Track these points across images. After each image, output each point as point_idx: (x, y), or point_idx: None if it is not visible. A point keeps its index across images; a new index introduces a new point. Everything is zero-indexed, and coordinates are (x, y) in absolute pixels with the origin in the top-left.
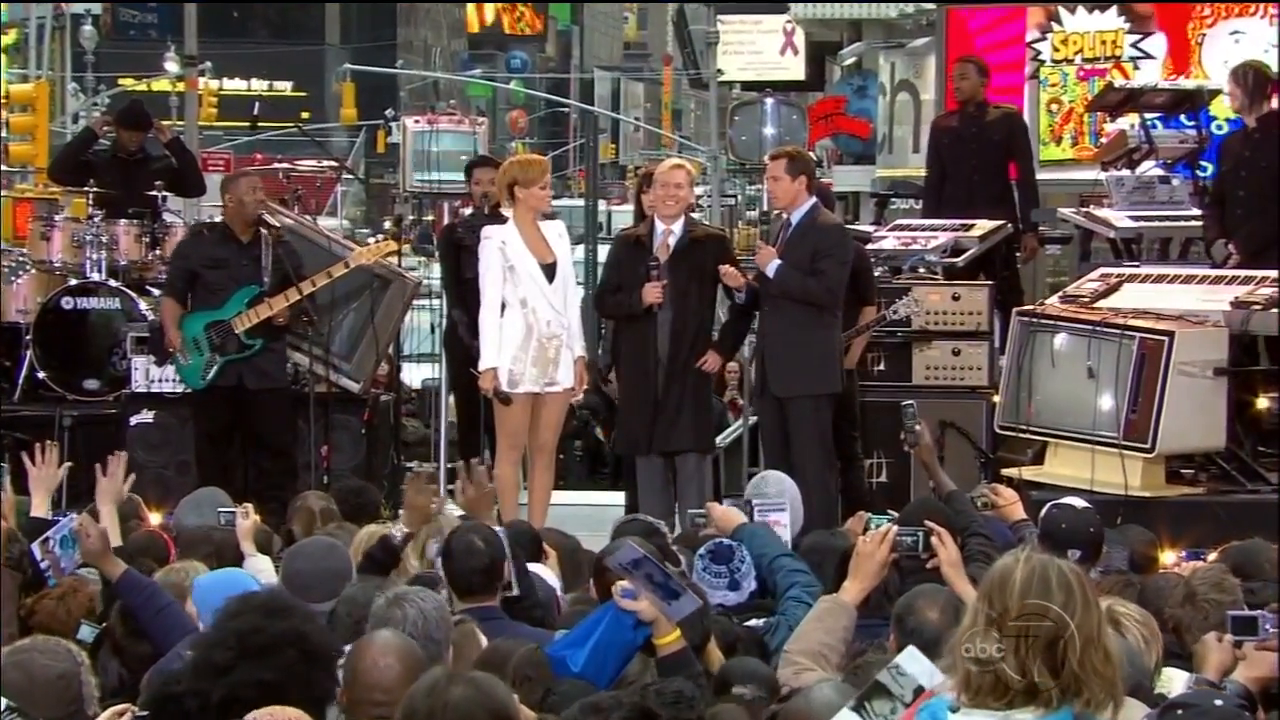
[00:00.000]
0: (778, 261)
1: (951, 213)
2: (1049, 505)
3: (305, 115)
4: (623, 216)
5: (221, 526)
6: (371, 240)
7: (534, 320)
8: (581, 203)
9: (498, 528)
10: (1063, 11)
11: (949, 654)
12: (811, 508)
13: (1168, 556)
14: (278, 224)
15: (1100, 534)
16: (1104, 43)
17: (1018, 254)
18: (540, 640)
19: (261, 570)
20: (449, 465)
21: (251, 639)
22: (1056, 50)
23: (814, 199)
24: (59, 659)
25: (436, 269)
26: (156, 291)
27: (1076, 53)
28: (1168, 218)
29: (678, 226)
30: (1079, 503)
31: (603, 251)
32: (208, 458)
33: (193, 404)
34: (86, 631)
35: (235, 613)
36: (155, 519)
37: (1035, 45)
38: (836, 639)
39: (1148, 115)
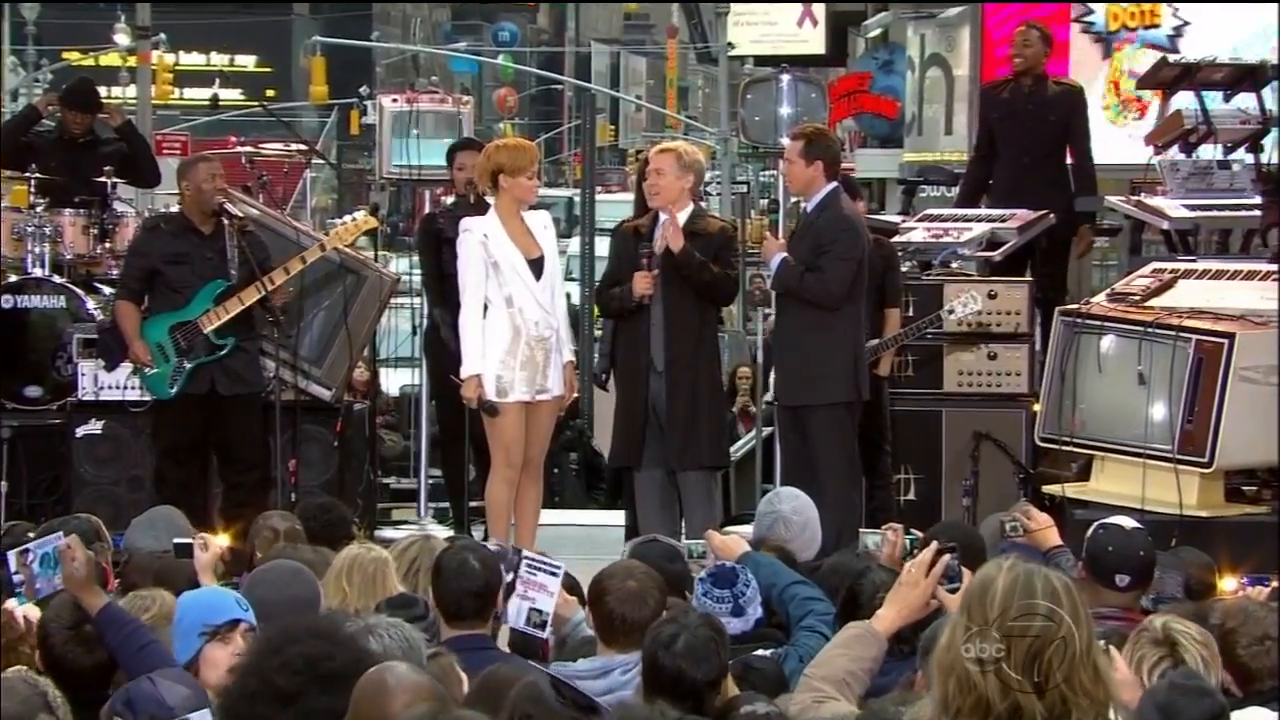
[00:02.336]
0: (781, 255)
1: (993, 196)
2: (1095, 526)
3: (270, 93)
4: (611, 207)
5: (174, 558)
6: (348, 220)
7: (521, 321)
8: (575, 191)
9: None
10: None
11: (926, 671)
12: (831, 528)
13: (1227, 582)
14: (240, 214)
15: (1152, 558)
16: (1142, 12)
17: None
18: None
19: None
20: (430, 480)
21: (323, 665)
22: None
23: (832, 185)
24: (27, 691)
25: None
26: (106, 290)
27: (1121, 26)
28: (1228, 207)
29: (683, 217)
30: (1128, 523)
31: (600, 245)
32: (170, 476)
33: (157, 416)
34: None
35: (296, 638)
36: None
37: (1086, 19)
38: (863, 668)
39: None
